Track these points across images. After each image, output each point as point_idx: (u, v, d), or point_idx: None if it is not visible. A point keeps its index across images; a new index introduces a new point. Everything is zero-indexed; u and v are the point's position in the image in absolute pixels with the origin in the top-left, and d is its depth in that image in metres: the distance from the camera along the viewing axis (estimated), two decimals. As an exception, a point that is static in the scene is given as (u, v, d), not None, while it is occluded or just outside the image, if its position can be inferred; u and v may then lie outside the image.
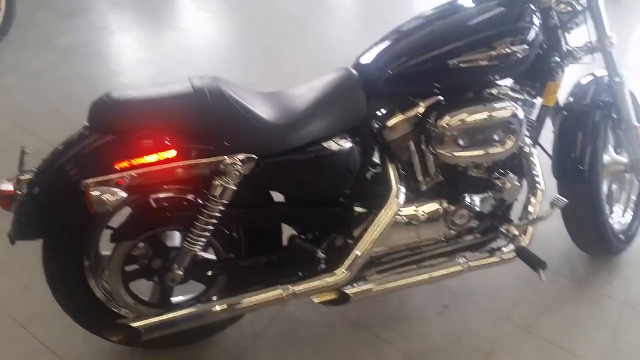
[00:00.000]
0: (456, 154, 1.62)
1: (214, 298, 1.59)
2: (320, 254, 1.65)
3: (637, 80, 3.50)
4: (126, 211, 1.55)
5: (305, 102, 1.54)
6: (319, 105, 1.54)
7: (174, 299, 1.70)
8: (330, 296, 1.67)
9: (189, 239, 1.49)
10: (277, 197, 1.65)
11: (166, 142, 1.41)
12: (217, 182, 1.43)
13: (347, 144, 1.58)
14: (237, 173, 1.43)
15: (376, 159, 1.74)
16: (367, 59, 1.64)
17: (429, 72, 1.58)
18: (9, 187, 1.42)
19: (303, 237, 1.69)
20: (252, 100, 1.49)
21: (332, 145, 1.56)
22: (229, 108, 1.42)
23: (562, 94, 1.94)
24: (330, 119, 1.56)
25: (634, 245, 2.21)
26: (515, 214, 1.85)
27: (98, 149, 1.40)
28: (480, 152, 1.62)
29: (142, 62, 3.63)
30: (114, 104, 1.40)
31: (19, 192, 1.41)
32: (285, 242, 1.72)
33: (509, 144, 1.62)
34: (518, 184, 1.75)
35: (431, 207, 1.73)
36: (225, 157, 1.42)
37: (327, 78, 1.62)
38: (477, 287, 2.05)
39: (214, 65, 3.55)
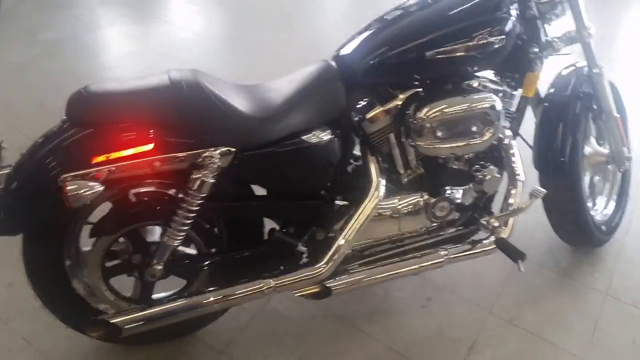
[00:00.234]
0: (435, 145, 1.62)
1: (195, 293, 1.59)
2: (301, 248, 1.65)
3: (624, 72, 3.57)
4: (107, 206, 1.55)
5: (283, 94, 1.54)
6: (297, 98, 1.53)
7: (157, 295, 1.70)
8: (312, 290, 1.67)
9: (168, 234, 1.49)
10: (259, 190, 1.65)
11: (143, 135, 1.40)
12: (195, 176, 1.42)
13: (326, 136, 1.57)
14: (215, 166, 1.42)
15: (357, 151, 1.74)
16: (346, 51, 1.64)
17: (406, 63, 1.57)
18: None
19: (284, 230, 1.69)
20: (230, 92, 1.48)
21: (312, 138, 1.55)
22: (206, 101, 1.41)
23: (545, 84, 1.96)
24: (309, 111, 1.55)
25: (616, 237, 2.23)
26: (497, 206, 1.86)
27: (75, 142, 1.39)
28: (458, 143, 1.62)
29: (128, 57, 3.60)
30: (91, 97, 1.39)
31: (-3, 187, 1.40)
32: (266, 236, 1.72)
33: (488, 135, 1.62)
34: (498, 176, 1.75)
35: (412, 199, 1.73)
36: (203, 150, 1.42)
37: (305, 70, 1.61)
38: (461, 279, 2.06)
39: (200, 59, 3.53)
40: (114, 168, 1.38)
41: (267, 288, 1.58)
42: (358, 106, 1.67)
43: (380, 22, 1.65)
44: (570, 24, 1.82)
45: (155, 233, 1.59)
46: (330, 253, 1.62)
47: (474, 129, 1.61)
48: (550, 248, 2.19)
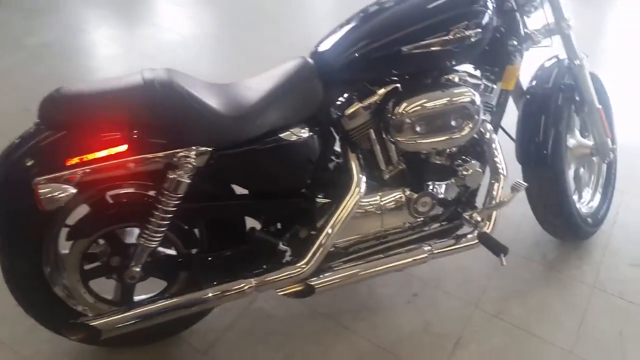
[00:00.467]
0: (414, 141, 1.60)
1: (176, 295, 1.57)
2: (282, 246, 1.64)
3: (610, 63, 3.57)
4: (86, 208, 1.53)
5: (259, 92, 1.52)
6: (273, 95, 1.52)
7: (139, 297, 1.68)
8: (295, 288, 1.66)
9: (144, 235, 1.47)
10: (241, 189, 1.64)
11: (117, 136, 1.38)
12: (170, 176, 1.41)
13: (304, 133, 1.56)
14: (190, 166, 1.41)
15: (338, 148, 1.73)
16: (323, 47, 1.62)
17: (383, 59, 1.56)
18: None
19: (265, 229, 1.68)
20: (205, 91, 1.47)
21: (290, 135, 1.54)
22: (179, 100, 1.39)
23: (528, 77, 1.95)
24: (286, 109, 1.54)
25: (603, 229, 2.22)
26: (482, 200, 1.84)
27: (49, 145, 1.38)
28: (437, 138, 1.61)
29: (114, 59, 3.59)
30: (63, 99, 1.38)
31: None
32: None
33: (467, 130, 1.61)
34: (480, 170, 1.74)
35: (394, 195, 1.72)
36: (178, 150, 1.40)
37: (282, 68, 1.60)
38: (447, 274, 2.05)
39: (185, 60, 3.52)
40: (88, 170, 1.36)
41: (248, 288, 1.57)
42: (337, 103, 1.66)
43: (357, 17, 1.64)
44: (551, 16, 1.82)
45: (134, 235, 1.58)
46: (312, 251, 1.61)
47: (453, 123, 1.60)
48: (537, 241, 2.18)
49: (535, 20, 1.82)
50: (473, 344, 1.82)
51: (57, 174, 1.34)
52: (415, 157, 1.72)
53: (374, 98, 1.62)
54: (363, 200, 1.67)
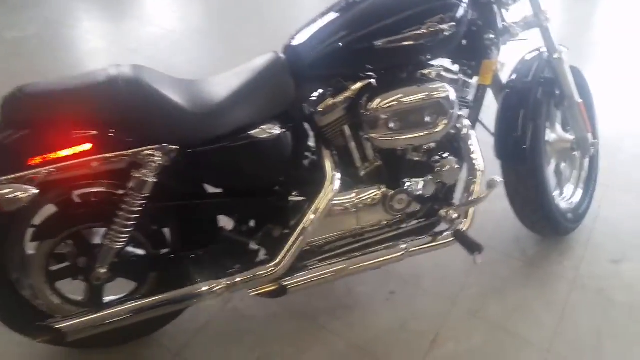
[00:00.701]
0: (388, 137, 1.57)
1: (145, 296, 1.54)
2: (253, 246, 1.61)
3: (599, 56, 3.54)
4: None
5: (228, 89, 1.49)
6: (242, 92, 1.49)
7: (109, 297, 1.65)
8: (268, 288, 1.63)
9: (109, 236, 1.44)
10: (213, 188, 1.60)
11: (81, 135, 1.34)
12: (135, 175, 1.38)
13: (275, 130, 1.52)
14: (156, 165, 1.37)
15: (313, 144, 1.69)
16: (295, 42, 1.59)
17: (355, 54, 1.53)
18: None
19: (237, 228, 1.65)
20: (172, 88, 1.43)
21: (260, 132, 1.50)
22: (144, 97, 1.36)
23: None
24: (255, 105, 1.50)
25: (586, 223, 2.20)
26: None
27: (11, 144, 1.33)
28: (411, 135, 1.58)
29: (94, 54, 3.55)
30: (26, 97, 1.34)
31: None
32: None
33: (442, 126, 1.58)
34: (457, 166, 1.70)
35: (369, 192, 1.69)
36: (143, 148, 1.36)
37: (253, 63, 1.56)
38: (426, 271, 2.03)
39: (167, 54, 3.48)
40: (51, 170, 1.33)
41: (218, 288, 1.54)
42: (310, 98, 1.62)
43: (331, 11, 1.61)
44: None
45: (101, 235, 1.54)
46: (284, 251, 1.58)
47: (428, 119, 1.57)
48: (517, 237, 2.16)
49: (515, 13, 1.80)
50: (450, 342, 1.79)
51: (18, 174, 1.30)
52: (392, 153, 1.69)
53: (348, 94, 1.58)
54: (338, 197, 1.64)
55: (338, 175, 1.61)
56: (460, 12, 1.53)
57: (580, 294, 1.95)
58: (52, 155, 1.34)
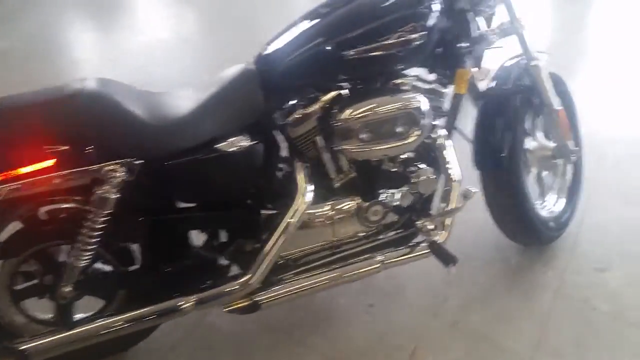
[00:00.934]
0: (359, 149, 1.54)
1: (114, 314, 1.51)
2: (223, 261, 1.57)
3: (597, 60, 3.51)
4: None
5: (194, 101, 1.46)
6: (209, 104, 1.46)
7: (79, 316, 1.61)
8: (241, 304, 1.60)
9: (73, 253, 1.41)
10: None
11: (43, 151, 1.31)
12: (96, 192, 1.34)
13: (244, 143, 1.48)
14: (118, 180, 1.34)
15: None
16: (266, 52, 1.56)
17: (325, 64, 1.50)
18: None
19: (208, 243, 1.62)
20: (137, 101, 1.40)
21: (228, 145, 1.47)
22: (104, 111, 1.33)
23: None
24: (222, 117, 1.47)
25: (571, 231, 2.17)
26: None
27: (-29, 162, 1.31)
28: (383, 146, 1.55)
29: (78, 63, 3.53)
30: None
31: None
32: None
33: (414, 136, 1.55)
34: (433, 177, 1.67)
35: (343, 204, 1.65)
36: (105, 163, 1.33)
37: (222, 75, 1.54)
38: (407, 281, 1.99)
39: (152, 63, 3.46)
40: (15, 186, 1.29)
41: (186, 306, 1.51)
42: (281, 110, 1.59)
43: (301, 22, 1.58)
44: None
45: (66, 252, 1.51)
46: (255, 265, 1.55)
47: (400, 130, 1.54)
48: (500, 245, 2.12)
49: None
50: (429, 355, 1.76)
51: (-23, 193, 1.27)
52: (366, 164, 1.66)
53: (319, 104, 1.55)
54: (312, 210, 1.61)
55: (310, 188, 1.58)
56: (431, 21, 1.50)
57: (564, 303, 1.91)
58: (14, 172, 1.31)
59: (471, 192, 1.61)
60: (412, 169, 1.68)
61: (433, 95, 1.64)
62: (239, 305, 1.60)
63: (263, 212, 1.62)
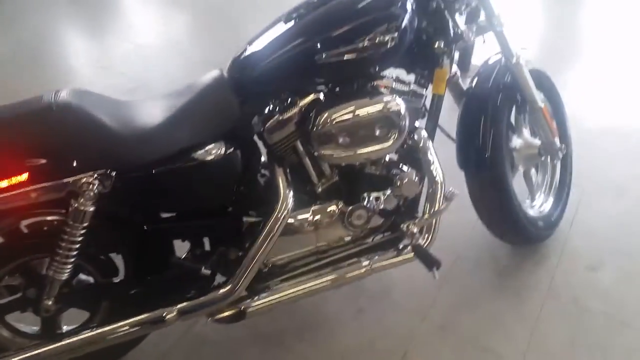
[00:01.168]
0: (338, 153, 1.53)
1: (98, 326, 1.50)
2: (204, 271, 1.56)
3: (594, 58, 3.49)
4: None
5: (168, 109, 1.45)
6: (182, 112, 1.45)
7: (66, 328, 1.61)
8: (227, 313, 1.59)
9: (53, 267, 1.40)
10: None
11: (15, 164, 1.30)
12: (73, 205, 1.34)
13: (220, 150, 1.47)
14: (93, 193, 1.33)
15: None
16: (238, 58, 1.55)
17: (298, 68, 1.49)
18: None
19: (192, 252, 1.61)
20: (110, 111, 1.39)
21: (204, 154, 1.46)
22: (76, 122, 1.32)
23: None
24: (197, 125, 1.46)
25: (563, 230, 2.14)
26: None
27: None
28: (362, 150, 1.53)
29: (69, 73, 3.53)
30: None
31: None
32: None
33: (392, 140, 1.53)
34: (416, 179, 1.65)
35: (326, 209, 1.64)
36: (80, 176, 1.33)
37: (195, 82, 1.53)
38: (396, 284, 1.98)
39: (141, 70, 3.48)
40: None
41: (170, 316, 1.50)
42: (259, 116, 1.58)
43: (273, 26, 1.57)
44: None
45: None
46: (238, 273, 1.54)
47: (378, 133, 1.52)
48: (490, 246, 2.10)
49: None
50: (419, 358, 1.74)
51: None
52: (349, 168, 1.64)
53: (296, 109, 1.53)
54: (294, 216, 1.60)
55: (291, 194, 1.57)
56: (405, 21, 1.49)
57: (555, 304, 1.89)
58: (-13, 188, 1.31)
59: (453, 193, 1.60)
60: (395, 171, 1.66)
61: (412, 96, 1.63)
62: (224, 315, 1.59)
63: (245, 219, 1.60)
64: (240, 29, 3.93)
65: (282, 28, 1.53)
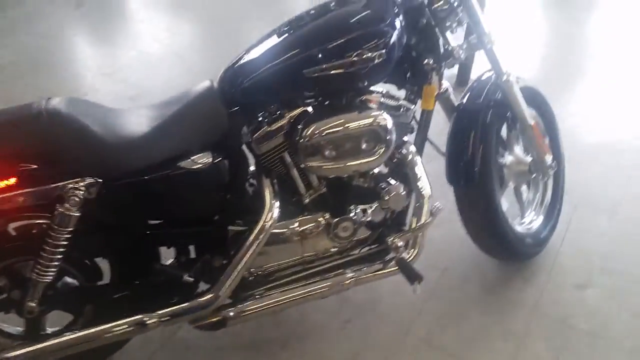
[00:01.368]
0: (324, 165, 1.54)
1: (80, 329, 1.52)
2: (187, 278, 1.57)
3: (589, 75, 3.49)
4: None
5: (157, 118, 1.47)
6: (170, 122, 1.47)
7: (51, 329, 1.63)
8: (209, 320, 1.60)
9: (37, 270, 1.42)
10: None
11: (4, 168, 1.33)
12: (58, 210, 1.36)
13: (207, 160, 1.49)
14: (79, 199, 1.35)
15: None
16: (229, 69, 1.57)
17: (286, 82, 1.50)
18: None
19: (177, 259, 1.63)
20: (100, 120, 1.41)
21: (190, 163, 1.48)
22: (65, 129, 1.34)
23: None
24: (184, 135, 1.48)
25: (553, 246, 2.14)
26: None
27: None
28: (348, 163, 1.54)
29: (70, 80, 3.56)
30: None
31: None
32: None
33: (378, 153, 1.54)
34: (403, 192, 1.66)
35: (312, 220, 1.65)
36: (66, 182, 1.35)
37: (185, 92, 1.55)
38: (384, 296, 1.98)
39: (141, 78, 3.51)
40: None
41: (152, 321, 1.51)
42: (248, 126, 1.59)
43: (265, 39, 1.58)
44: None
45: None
46: (221, 281, 1.55)
47: (364, 147, 1.53)
48: (478, 261, 2.10)
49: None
50: (402, 373, 1.75)
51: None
52: (336, 180, 1.65)
53: (284, 121, 1.55)
54: (280, 226, 1.61)
55: (277, 204, 1.58)
56: (392, 38, 1.49)
57: (541, 322, 1.88)
58: (-24, 190, 1.33)
59: (438, 208, 1.60)
60: (383, 184, 1.67)
61: (401, 111, 1.64)
62: (207, 321, 1.60)
63: (231, 228, 1.62)
64: (243, 41, 3.95)
65: (273, 41, 1.55)
